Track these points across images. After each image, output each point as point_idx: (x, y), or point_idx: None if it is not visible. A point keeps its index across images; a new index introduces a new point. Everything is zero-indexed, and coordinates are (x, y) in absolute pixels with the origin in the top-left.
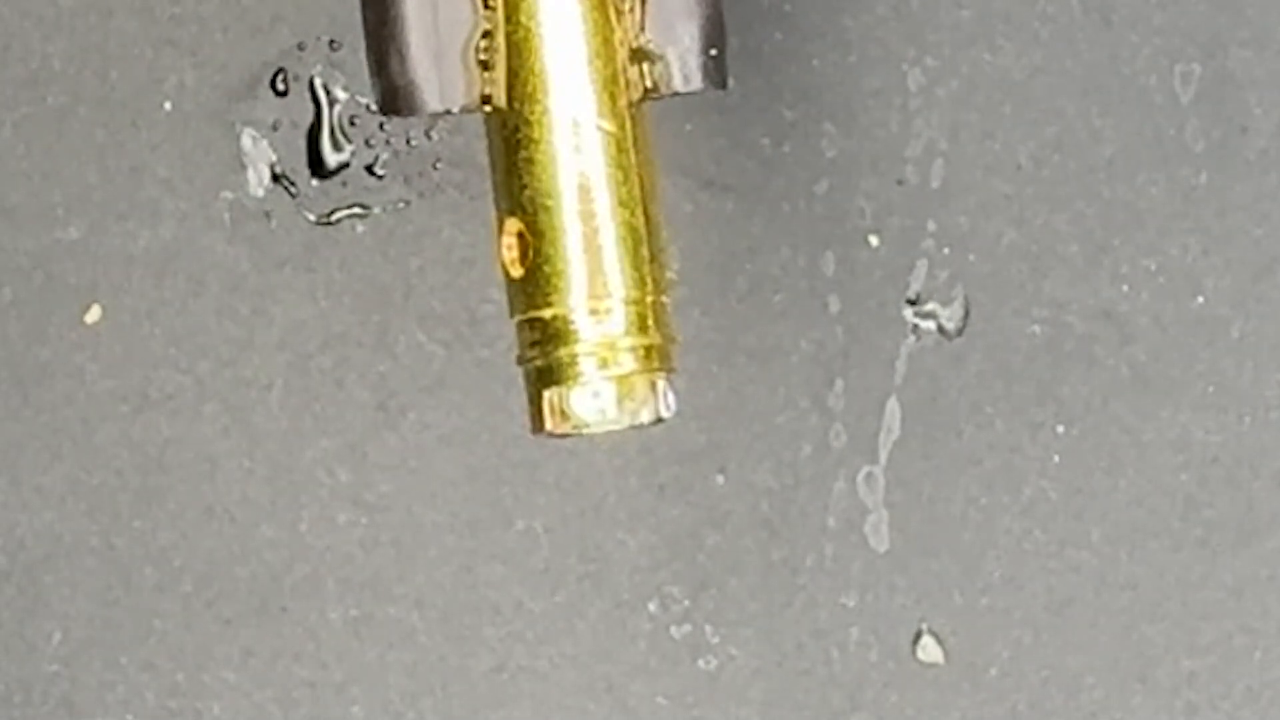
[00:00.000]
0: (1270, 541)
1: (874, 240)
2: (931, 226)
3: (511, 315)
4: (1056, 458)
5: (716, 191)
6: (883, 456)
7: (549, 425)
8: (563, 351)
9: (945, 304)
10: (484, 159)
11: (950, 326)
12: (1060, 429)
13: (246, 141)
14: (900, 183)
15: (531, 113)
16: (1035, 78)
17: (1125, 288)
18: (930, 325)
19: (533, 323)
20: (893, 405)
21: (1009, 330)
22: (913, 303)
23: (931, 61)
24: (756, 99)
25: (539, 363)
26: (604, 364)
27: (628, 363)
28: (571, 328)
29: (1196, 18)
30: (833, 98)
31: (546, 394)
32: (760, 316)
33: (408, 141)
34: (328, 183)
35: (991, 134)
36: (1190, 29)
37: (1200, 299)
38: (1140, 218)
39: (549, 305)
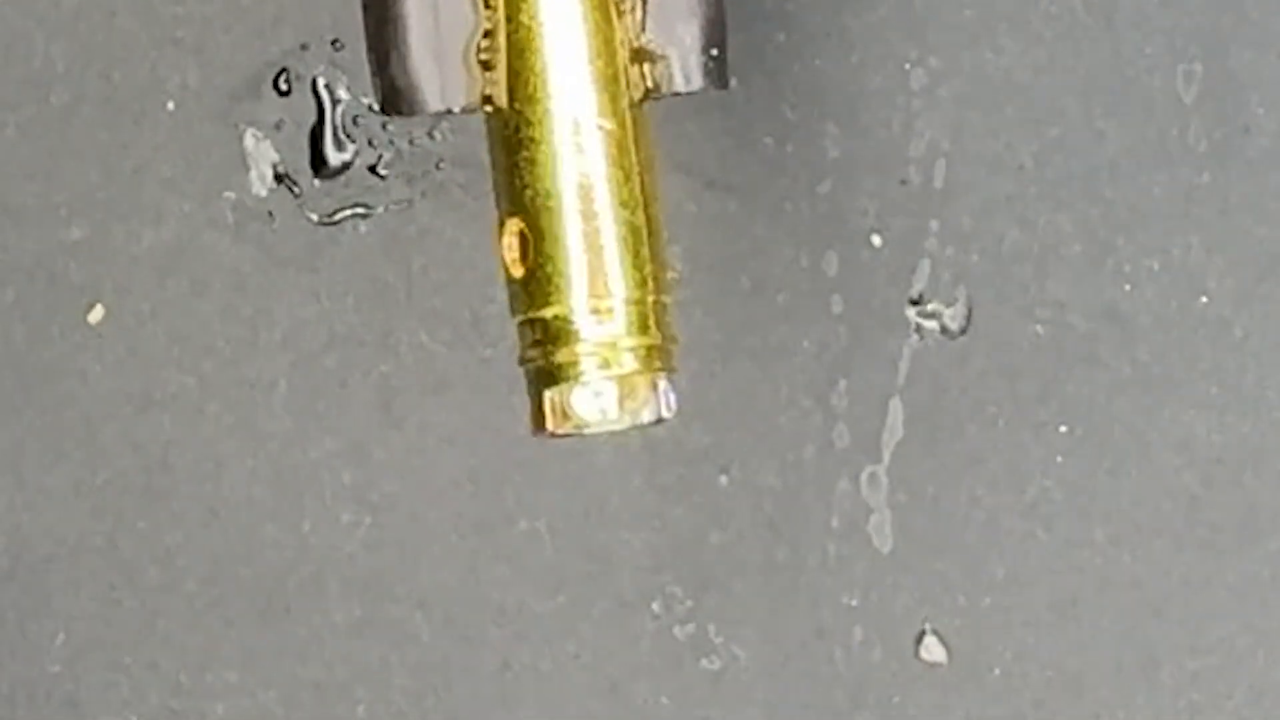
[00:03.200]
0: (1274, 541)
1: (877, 240)
2: (934, 226)
3: (513, 315)
4: (1060, 457)
5: (719, 191)
6: (886, 456)
7: (550, 425)
8: (564, 351)
9: (948, 304)
10: (487, 159)
11: (953, 326)
12: (1063, 429)
13: (249, 141)
14: (903, 182)
15: (532, 113)
16: (1038, 78)
17: (1128, 287)
18: (933, 325)
19: (534, 323)
20: (896, 405)
21: (1012, 330)
22: (916, 302)
23: (934, 61)
24: (759, 99)
25: (540, 363)
26: (605, 364)
27: (629, 363)
28: (572, 328)
29: (1199, 17)
30: (835, 98)
31: (548, 394)
32: (763, 316)
33: (410, 141)
34: (330, 183)
35: (994, 134)
36: (1193, 29)
37: (1203, 298)
38: (1143, 217)
39: (550, 305)
